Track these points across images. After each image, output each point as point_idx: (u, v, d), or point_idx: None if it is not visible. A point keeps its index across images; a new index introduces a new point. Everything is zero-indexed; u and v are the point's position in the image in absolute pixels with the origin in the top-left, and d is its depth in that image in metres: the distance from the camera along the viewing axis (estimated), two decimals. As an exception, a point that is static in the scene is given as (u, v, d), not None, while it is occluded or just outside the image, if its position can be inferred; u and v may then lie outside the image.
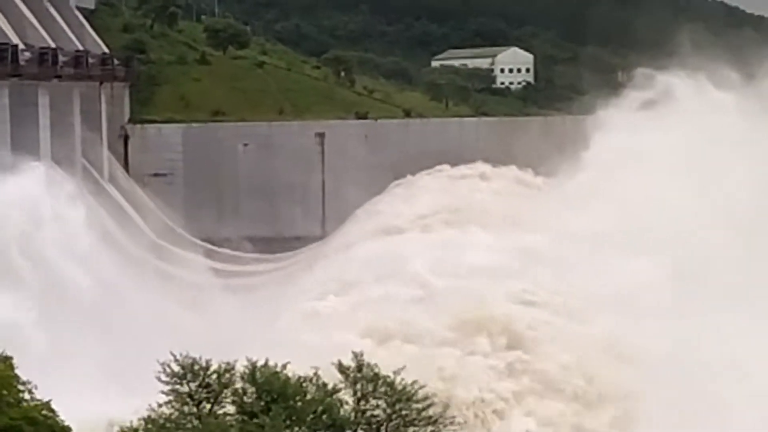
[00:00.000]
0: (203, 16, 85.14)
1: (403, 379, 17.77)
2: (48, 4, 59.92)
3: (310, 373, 17.66)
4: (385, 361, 19.27)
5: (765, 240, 43.52)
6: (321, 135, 61.24)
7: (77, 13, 64.55)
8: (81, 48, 60.30)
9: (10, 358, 16.90)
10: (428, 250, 47.71)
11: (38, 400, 16.20)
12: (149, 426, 16.96)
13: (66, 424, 16.66)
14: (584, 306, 41.65)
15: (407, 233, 52.49)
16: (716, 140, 51.04)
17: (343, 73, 74.38)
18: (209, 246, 58.73)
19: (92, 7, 70.27)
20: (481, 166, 57.85)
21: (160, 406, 16.95)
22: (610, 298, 40.38)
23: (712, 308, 38.43)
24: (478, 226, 50.56)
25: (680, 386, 34.55)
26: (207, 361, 17.34)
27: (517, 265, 44.22)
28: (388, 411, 17.58)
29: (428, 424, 17.78)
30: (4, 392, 15.98)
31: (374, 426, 17.61)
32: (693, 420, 33.22)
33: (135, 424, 17.12)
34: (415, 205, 55.73)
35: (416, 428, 17.83)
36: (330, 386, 17.40)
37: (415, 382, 17.74)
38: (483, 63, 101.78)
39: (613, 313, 39.85)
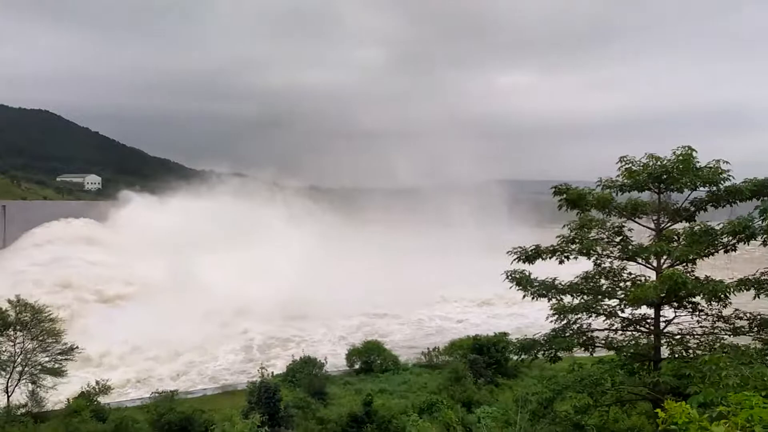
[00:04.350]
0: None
1: (38, 302, 29.97)
2: None
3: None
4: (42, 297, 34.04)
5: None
6: (4, 206, 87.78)
7: None
8: None
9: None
10: (62, 248, 75.71)
11: None
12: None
13: None
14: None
15: (54, 244, 77.98)
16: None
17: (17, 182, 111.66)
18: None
19: None
20: (81, 220, 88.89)
21: None
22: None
23: None
24: (78, 241, 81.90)
25: None
26: None
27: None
28: (37, 316, 28.85)
29: (55, 320, 29.67)
30: None
31: (30, 322, 28.47)
32: None
33: None
34: (49, 232, 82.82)
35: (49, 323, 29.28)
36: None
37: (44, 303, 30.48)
38: (80, 179, 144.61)
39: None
